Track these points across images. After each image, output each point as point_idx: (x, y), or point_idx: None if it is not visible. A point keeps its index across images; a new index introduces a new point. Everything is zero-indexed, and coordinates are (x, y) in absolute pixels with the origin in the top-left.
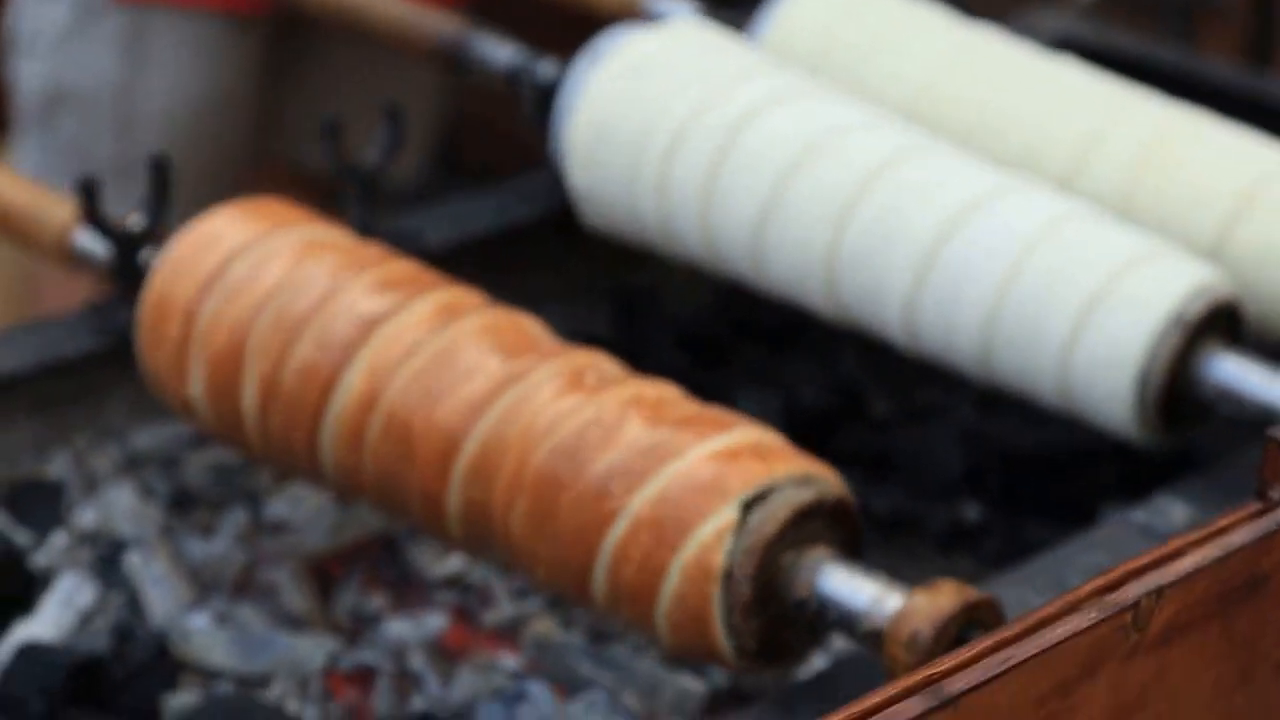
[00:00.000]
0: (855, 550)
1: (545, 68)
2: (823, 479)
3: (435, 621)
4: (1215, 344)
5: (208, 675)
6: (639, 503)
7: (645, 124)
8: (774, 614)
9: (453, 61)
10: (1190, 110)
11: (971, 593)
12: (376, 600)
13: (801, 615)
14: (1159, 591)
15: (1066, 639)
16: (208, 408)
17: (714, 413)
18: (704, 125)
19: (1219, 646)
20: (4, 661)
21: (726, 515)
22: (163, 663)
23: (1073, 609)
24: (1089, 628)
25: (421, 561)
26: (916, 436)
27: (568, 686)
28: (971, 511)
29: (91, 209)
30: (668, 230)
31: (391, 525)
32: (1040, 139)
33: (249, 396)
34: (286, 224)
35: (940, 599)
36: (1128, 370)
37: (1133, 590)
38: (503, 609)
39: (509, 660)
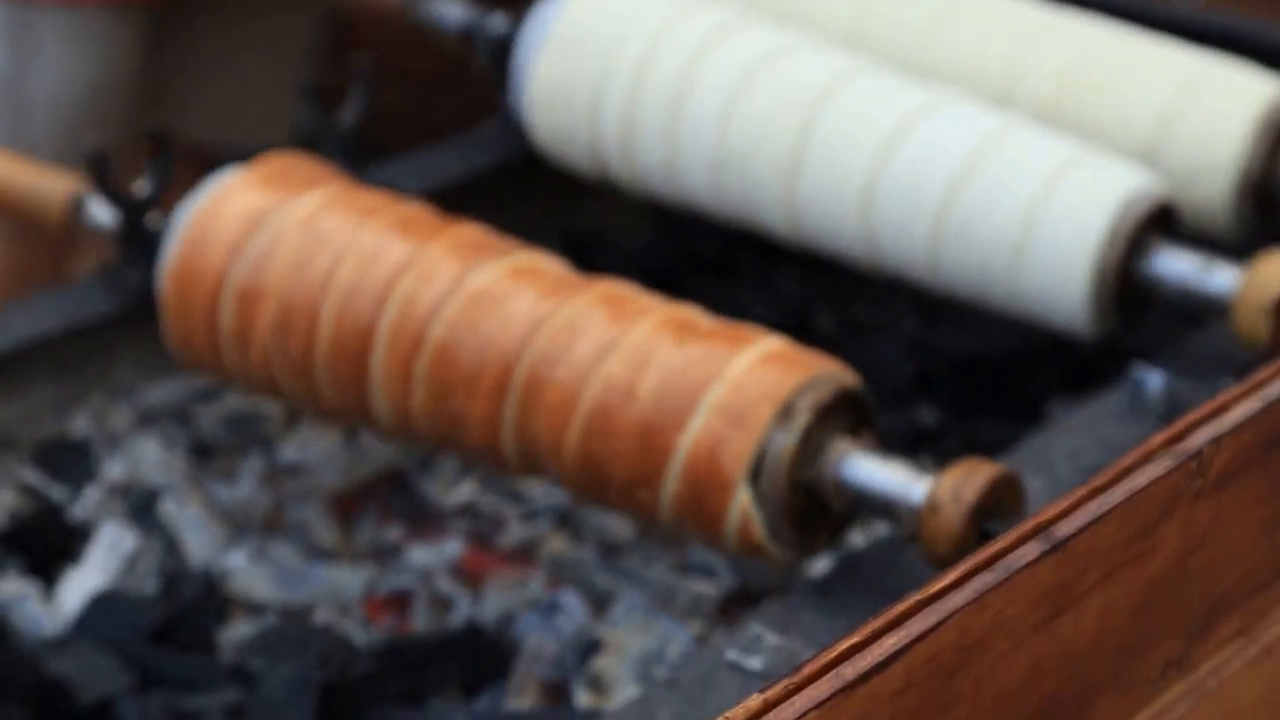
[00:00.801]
0: (866, 416)
1: (496, 23)
2: (802, 390)
3: (453, 548)
4: (1158, 239)
5: (253, 608)
6: (669, 499)
7: (604, 66)
8: (823, 521)
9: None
10: (1106, 25)
11: (978, 483)
12: (393, 532)
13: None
14: (1217, 440)
15: (1148, 485)
16: (241, 367)
17: (681, 376)
18: (661, 58)
19: (1261, 488)
20: (73, 610)
21: (741, 498)
22: (212, 599)
23: (1148, 459)
24: (1164, 475)
25: (433, 493)
26: (865, 349)
27: (593, 597)
28: (926, 415)
29: (102, 178)
30: (631, 163)
31: (401, 460)
32: (973, 62)
33: (285, 351)
34: (307, 184)
35: (954, 512)
36: (1082, 266)
37: (1196, 440)
38: (515, 532)
39: (530, 578)
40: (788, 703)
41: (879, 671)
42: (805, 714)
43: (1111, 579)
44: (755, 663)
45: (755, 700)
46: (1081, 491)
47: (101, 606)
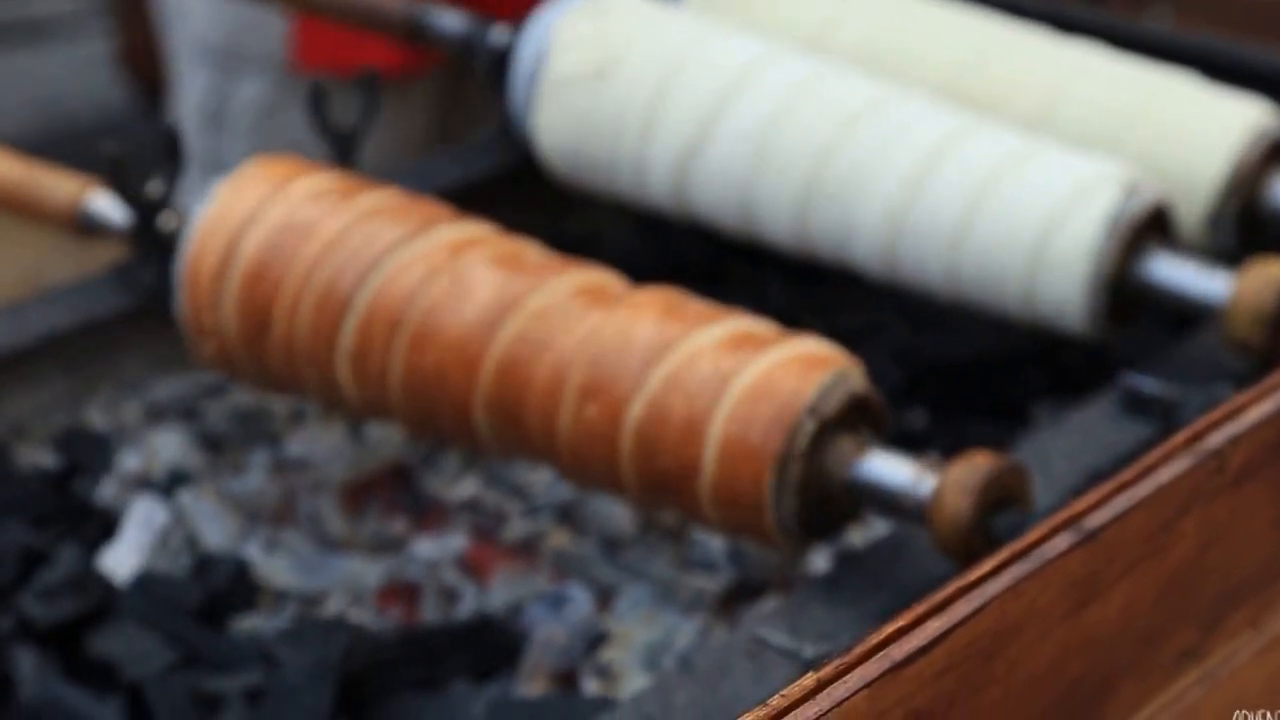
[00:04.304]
0: (874, 415)
1: (496, 34)
2: (818, 395)
3: (457, 541)
4: (1155, 243)
5: (273, 595)
6: (705, 503)
7: (610, 86)
8: (831, 515)
9: (410, 33)
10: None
11: (985, 473)
12: (397, 525)
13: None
14: (1235, 440)
15: (1171, 481)
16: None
17: (715, 373)
18: (677, 78)
19: (1275, 487)
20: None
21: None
22: (241, 585)
23: (1170, 457)
24: (1186, 472)
25: (435, 487)
26: (855, 355)
27: (597, 591)
28: (916, 419)
29: (119, 180)
30: (641, 179)
31: (405, 455)
32: (959, 79)
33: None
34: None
35: (962, 501)
36: (1084, 268)
37: (1215, 439)
38: (517, 527)
39: (534, 571)
40: (840, 681)
41: (924, 654)
42: (856, 692)
43: (1135, 570)
44: (777, 644)
45: (809, 679)
46: (1109, 486)
47: (143, 586)
